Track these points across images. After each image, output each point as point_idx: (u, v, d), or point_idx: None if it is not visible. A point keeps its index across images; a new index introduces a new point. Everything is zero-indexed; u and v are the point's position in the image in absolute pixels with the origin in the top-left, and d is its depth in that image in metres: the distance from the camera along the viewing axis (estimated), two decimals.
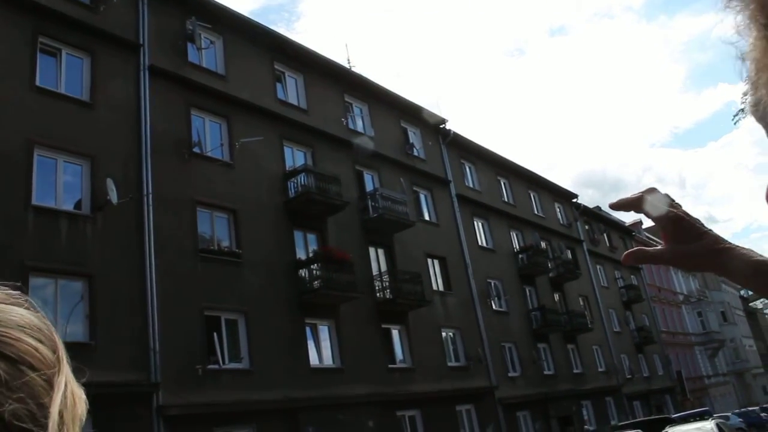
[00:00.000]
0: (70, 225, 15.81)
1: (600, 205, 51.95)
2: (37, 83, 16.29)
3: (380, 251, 24.94)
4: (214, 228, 19.38)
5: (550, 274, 35.83)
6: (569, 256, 39.66)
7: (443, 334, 26.37)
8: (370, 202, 24.46)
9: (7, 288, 0.72)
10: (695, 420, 24.61)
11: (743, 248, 0.87)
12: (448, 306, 27.05)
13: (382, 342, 23.19)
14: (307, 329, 20.73)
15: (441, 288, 27.33)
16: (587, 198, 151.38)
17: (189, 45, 20.55)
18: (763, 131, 0.72)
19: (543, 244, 36.54)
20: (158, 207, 17.53)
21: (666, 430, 22.19)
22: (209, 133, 20.29)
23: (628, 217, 56.14)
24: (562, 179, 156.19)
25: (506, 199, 35.70)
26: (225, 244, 19.49)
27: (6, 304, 0.70)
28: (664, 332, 51.25)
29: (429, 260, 27.21)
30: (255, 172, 20.79)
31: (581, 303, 39.23)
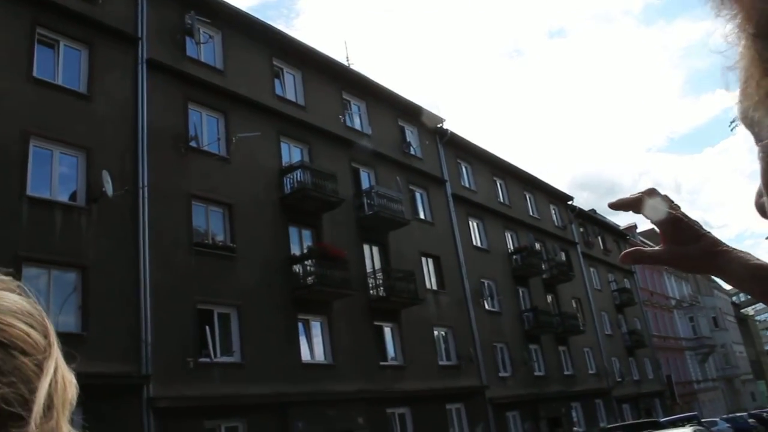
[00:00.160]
0: (64, 216, 15.80)
1: (595, 208, 52.07)
2: (35, 74, 16.25)
3: (375, 249, 24.96)
4: (209, 222, 19.38)
5: (544, 276, 35.86)
6: (563, 258, 39.67)
7: (435, 332, 26.41)
8: (365, 200, 24.49)
9: None
10: (678, 425, 24.64)
11: (741, 251, 0.86)
12: (441, 305, 27.09)
13: (374, 339, 23.22)
14: (300, 325, 20.75)
15: (434, 287, 27.35)
16: (582, 201, 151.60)
17: (188, 39, 20.52)
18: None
19: (537, 246, 36.57)
20: (153, 200, 17.52)
21: None
22: (206, 128, 20.28)
23: (622, 221, 56.33)
24: (558, 181, 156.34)
25: (502, 200, 35.71)
26: (219, 238, 19.49)
27: None
28: (655, 336, 51.33)
29: (423, 259, 27.24)
30: (251, 167, 20.79)
31: (574, 305, 39.29)
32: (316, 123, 23.97)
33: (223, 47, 21.83)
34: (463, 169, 33.23)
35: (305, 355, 20.57)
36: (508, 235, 34.83)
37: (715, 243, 0.89)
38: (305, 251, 21.45)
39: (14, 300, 0.71)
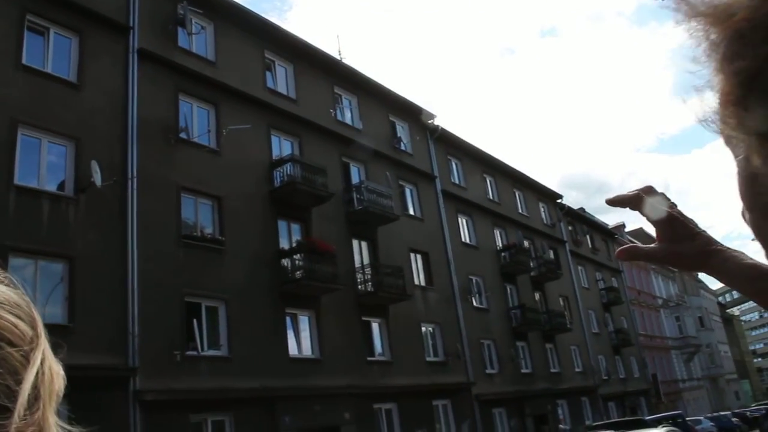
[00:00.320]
0: (52, 206, 15.69)
1: (584, 207, 52.30)
2: (24, 62, 16.09)
3: (363, 244, 24.96)
4: (198, 214, 19.31)
5: (532, 273, 35.99)
6: (551, 256, 39.82)
7: (423, 328, 26.45)
8: (355, 195, 24.47)
9: None
10: (651, 425, 24.72)
11: (735, 251, 0.86)
12: (429, 301, 27.13)
13: (361, 334, 23.23)
14: (288, 319, 20.73)
15: (422, 283, 27.40)
16: (571, 199, 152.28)
17: (180, 29, 20.40)
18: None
19: (526, 243, 36.69)
20: (142, 191, 17.43)
21: None
22: (197, 119, 20.18)
23: (611, 220, 56.60)
24: (548, 180, 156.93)
25: (491, 197, 35.78)
26: (208, 230, 19.43)
27: None
28: (641, 335, 51.68)
29: (412, 255, 27.26)
30: (241, 160, 20.71)
31: (561, 303, 39.46)
32: (306, 116, 23.91)
33: (215, 38, 21.71)
34: (453, 166, 33.27)
35: (293, 349, 20.55)
36: (496, 232, 34.92)
37: (710, 242, 0.89)
38: (294, 245, 21.42)
39: (1, 291, 0.70)
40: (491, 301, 31.45)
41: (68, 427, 0.74)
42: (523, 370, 32.46)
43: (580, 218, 48.47)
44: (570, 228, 45.39)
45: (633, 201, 0.95)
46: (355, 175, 25.93)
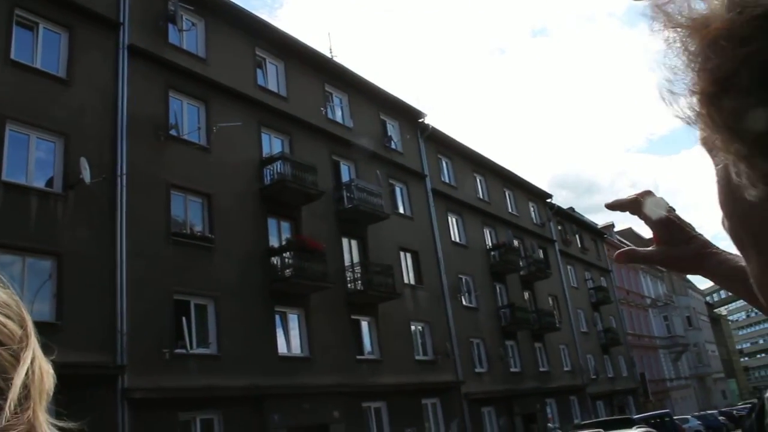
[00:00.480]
0: (40, 203, 15.59)
1: (573, 206, 52.48)
2: (12, 57, 15.98)
3: (353, 242, 24.95)
4: (188, 212, 19.24)
5: (521, 273, 36.08)
6: (541, 255, 39.94)
7: (412, 327, 26.48)
8: (345, 193, 24.45)
9: None
10: (625, 426, 24.71)
11: (729, 253, 0.87)
12: (419, 300, 27.16)
13: (351, 333, 23.23)
14: (277, 317, 20.70)
15: (412, 281, 27.42)
16: (561, 199, 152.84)
17: (170, 26, 20.30)
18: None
19: (515, 243, 36.76)
20: (132, 188, 17.34)
21: None
22: (187, 116, 20.10)
23: (600, 220, 56.80)
24: (538, 179, 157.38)
25: (481, 196, 35.85)
26: (198, 228, 19.36)
27: None
28: (630, 334, 51.94)
29: (401, 253, 27.28)
30: (231, 157, 20.65)
31: (550, 302, 39.60)
32: (297, 114, 23.87)
33: (205, 35, 21.64)
34: (444, 165, 33.31)
35: (282, 347, 20.53)
36: (486, 232, 34.99)
37: (706, 245, 0.91)
38: (284, 243, 21.38)
39: None
40: (480, 300, 31.51)
41: (59, 424, 0.74)
42: (512, 369, 32.55)
43: (570, 218, 48.64)
44: (559, 227, 45.55)
45: (631, 205, 0.96)
46: (346, 173, 25.92)
